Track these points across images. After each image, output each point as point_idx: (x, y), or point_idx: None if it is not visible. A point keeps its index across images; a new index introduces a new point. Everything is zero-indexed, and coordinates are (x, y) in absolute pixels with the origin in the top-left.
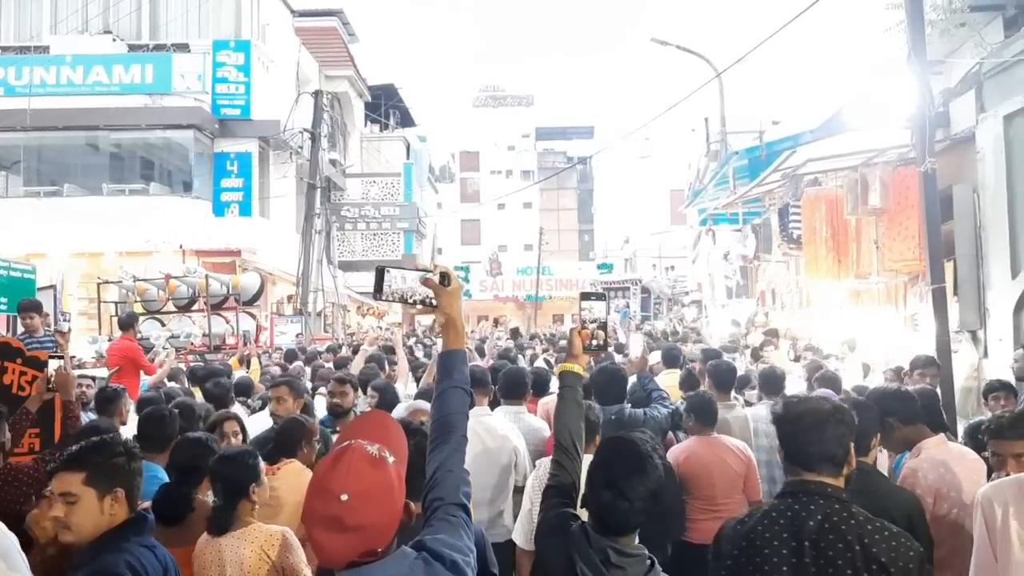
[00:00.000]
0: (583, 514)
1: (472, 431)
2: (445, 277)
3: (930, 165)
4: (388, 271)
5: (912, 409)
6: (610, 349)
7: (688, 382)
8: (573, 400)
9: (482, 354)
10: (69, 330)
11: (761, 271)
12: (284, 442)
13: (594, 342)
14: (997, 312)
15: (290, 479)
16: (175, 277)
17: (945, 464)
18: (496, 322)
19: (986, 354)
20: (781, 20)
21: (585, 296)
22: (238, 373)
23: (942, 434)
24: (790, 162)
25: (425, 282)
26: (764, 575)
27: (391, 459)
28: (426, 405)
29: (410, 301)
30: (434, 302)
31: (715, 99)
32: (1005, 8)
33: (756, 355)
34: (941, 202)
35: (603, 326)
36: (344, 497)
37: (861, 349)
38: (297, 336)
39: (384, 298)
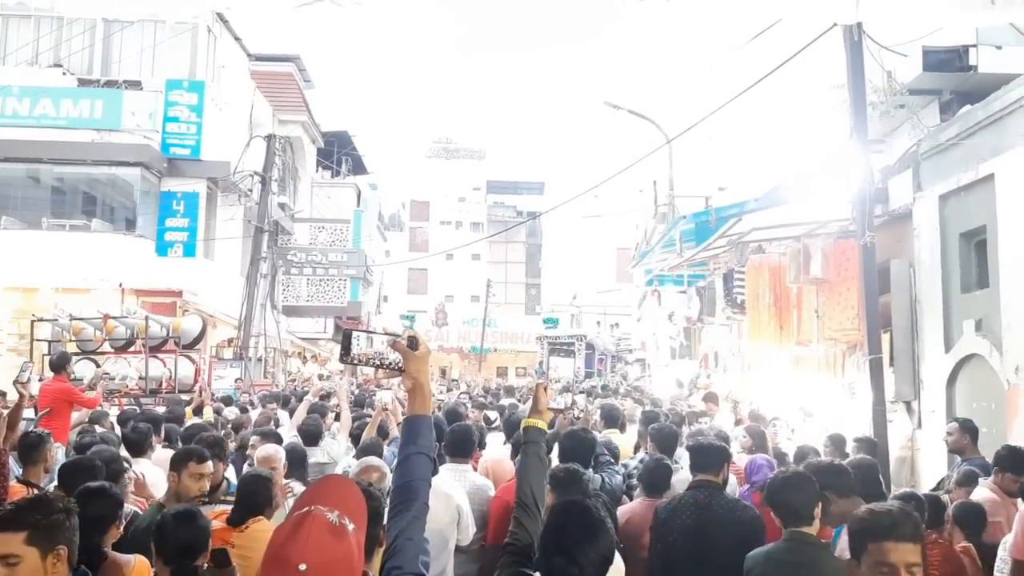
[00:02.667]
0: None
1: None
2: (414, 341)
3: (869, 239)
4: (355, 334)
5: (847, 483)
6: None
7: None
8: (536, 456)
9: None
10: (28, 380)
11: (704, 333)
12: (251, 500)
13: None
14: (931, 384)
15: (260, 538)
16: (113, 317)
17: None
18: (443, 373)
19: (920, 425)
20: (731, 91)
21: (553, 350)
22: (191, 421)
23: None
24: (736, 229)
25: (394, 345)
26: (681, 530)
27: (351, 526)
28: (378, 461)
29: (376, 364)
30: (401, 366)
31: (664, 162)
32: (941, 93)
33: (691, 421)
34: (879, 275)
35: (568, 388)
36: (303, 567)
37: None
38: (236, 381)
39: (351, 361)
